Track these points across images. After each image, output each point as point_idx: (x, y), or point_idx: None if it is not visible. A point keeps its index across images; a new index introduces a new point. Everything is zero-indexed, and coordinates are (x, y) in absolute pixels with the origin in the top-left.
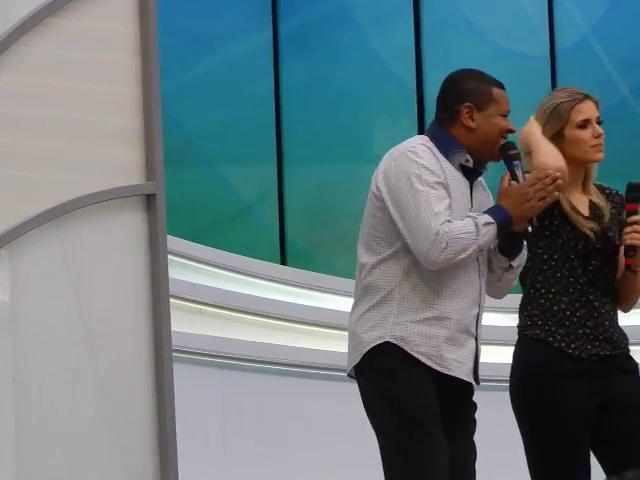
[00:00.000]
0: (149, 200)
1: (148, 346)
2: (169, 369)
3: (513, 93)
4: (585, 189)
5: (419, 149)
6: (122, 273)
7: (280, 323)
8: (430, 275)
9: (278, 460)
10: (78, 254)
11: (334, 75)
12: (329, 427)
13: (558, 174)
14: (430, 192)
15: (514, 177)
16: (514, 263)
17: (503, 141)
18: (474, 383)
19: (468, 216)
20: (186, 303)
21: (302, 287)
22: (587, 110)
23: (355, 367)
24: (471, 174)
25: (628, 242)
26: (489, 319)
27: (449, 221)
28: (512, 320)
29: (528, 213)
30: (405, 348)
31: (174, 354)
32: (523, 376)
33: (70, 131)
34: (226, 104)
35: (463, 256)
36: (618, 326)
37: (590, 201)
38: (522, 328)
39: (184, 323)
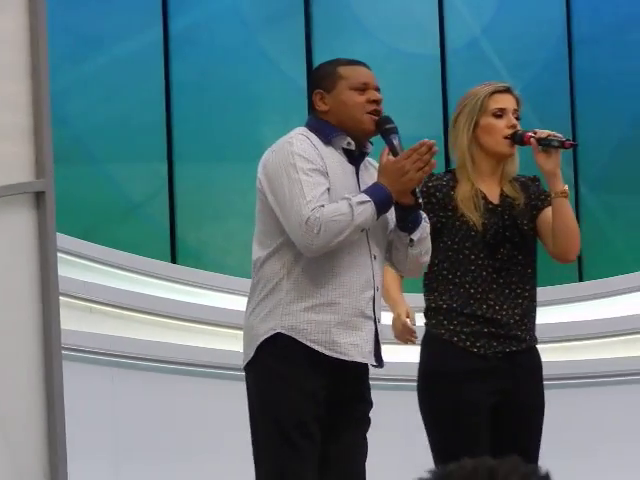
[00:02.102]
0: (38, 198)
1: (38, 344)
2: (59, 367)
3: (404, 93)
4: (501, 182)
5: (296, 139)
6: (11, 271)
7: (170, 321)
8: (316, 263)
9: (169, 459)
10: None
11: (225, 74)
12: (219, 425)
13: (433, 141)
14: (304, 179)
15: (393, 151)
16: (414, 237)
17: (368, 114)
18: (376, 365)
19: (343, 198)
20: (76, 301)
21: (192, 285)
22: (504, 101)
23: (248, 362)
24: (357, 158)
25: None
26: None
27: (322, 206)
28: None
29: (408, 186)
30: (296, 337)
31: (64, 352)
32: (428, 375)
33: None
34: (116, 102)
35: (341, 238)
36: (530, 317)
37: (502, 191)
38: (428, 325)
39: (74, 321)
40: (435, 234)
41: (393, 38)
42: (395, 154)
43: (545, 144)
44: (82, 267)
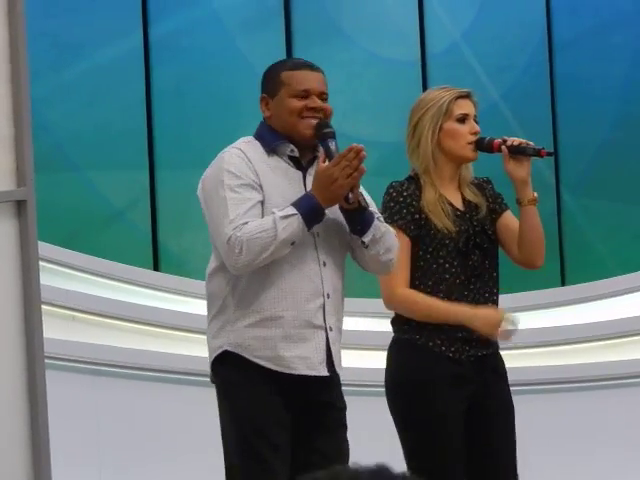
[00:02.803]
0: (19, 206)
1: (20, 353)
2: (42, 376)
3: (384, 99)
4: (459, 187)
5: (228, 154)
6: None
7: (153, 329)
8: (259, 276)
9: (151, 466)
10: None
11: (204, 80)
12: (201, 432)
13: (361, 146)
14: (230, 197)
15: (329, 156)
16: (365, 239)
17: (303, 120)
18: (327, 374)
19: (271, 212)
20: (59, 310)
21: (174, 293)
22: (467, 106)
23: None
24: (307, 163)
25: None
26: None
27: (245, 223)
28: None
29: (337, 193)
30: (243, 354)
31: (47, 361)
32: (401, 381)
33: None
34: (96, 109)
35: (266, 255)
36: None
37: (463, 197)
38: (398, 331)
39: (57, 330)
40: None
41: (373, 44)
42: (331, 159)
43: (519, 152)
44: (64, 275)
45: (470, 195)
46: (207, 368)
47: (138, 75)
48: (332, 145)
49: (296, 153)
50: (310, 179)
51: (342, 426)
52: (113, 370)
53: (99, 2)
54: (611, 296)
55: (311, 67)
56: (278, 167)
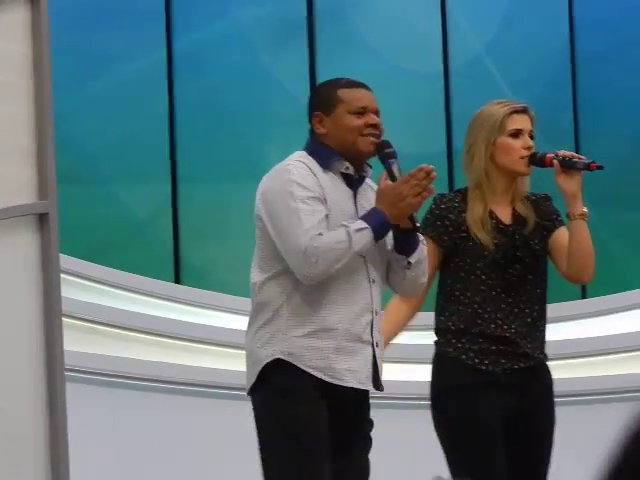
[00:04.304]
0: (41, 219)
1: (40, 365)
2: (62, 388)
3: (407, 111)
4: (513, 201)
5: (293, 166)
6: (14, 293)
7: (174, 342)
8: (315, 288)
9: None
10: None
11: (228, 93)
12: (220, 445)
13: (431, 167)
14: (302, 208)
15: (391, 175)
16: (412, 260)
17: (363, 137)
18: (374, 389)
19: (342, 225)
20: (79, 322)
21: (196, 305)
22: (521, 121)
23: (251, 387)
24: (356, 181)
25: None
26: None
27: (320, 234)
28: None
29: (406, 211)
30: (296, 363)
31: (67, 373)
32: (438, 393)
33: None
34: (121, 122)
35: (338, 266)
36: (539, 335)
37: (514, 210)
38: (437, 345)
39: (77, 342)
40: (448, 256)
41: (396, 56)
42: (393, 178)
43: (569, 166)
44: (85, 288)
45: (521, 209)
46: (227, 380)
47: (162, 89)
48: (394, 165)
49: (351, 171)
50: (361, 198)
51: (371, 441)
52: (132, 382)
53: (123, 16)
54: (632, 309)
55: (365, 86)
56: (334, 183)
